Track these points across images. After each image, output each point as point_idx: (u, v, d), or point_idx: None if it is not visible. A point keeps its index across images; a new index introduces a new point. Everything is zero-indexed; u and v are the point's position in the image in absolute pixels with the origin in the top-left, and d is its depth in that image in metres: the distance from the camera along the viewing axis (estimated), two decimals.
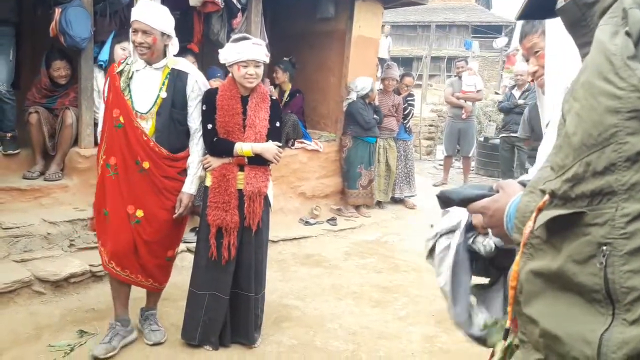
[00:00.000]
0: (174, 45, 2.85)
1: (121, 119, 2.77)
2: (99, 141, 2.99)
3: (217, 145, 2.90)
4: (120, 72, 2.82)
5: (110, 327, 2.94)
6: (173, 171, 2.87)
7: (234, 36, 3.01)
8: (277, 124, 3.00)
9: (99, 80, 4.35)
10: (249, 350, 3.07)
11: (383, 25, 8.66)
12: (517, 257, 0.91)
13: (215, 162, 2.90)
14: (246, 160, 2.89)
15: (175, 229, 2.97)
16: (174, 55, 2.89)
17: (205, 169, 2.96)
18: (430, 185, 8.23)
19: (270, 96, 3.02)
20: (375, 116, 6.13)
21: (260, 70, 2.88)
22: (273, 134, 2.97)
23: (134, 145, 2.77)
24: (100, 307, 3.41)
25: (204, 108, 2.89)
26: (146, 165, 2.79)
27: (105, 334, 2.92)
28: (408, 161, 6.87)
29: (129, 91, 2.79)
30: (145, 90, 2.80)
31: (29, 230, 3.75)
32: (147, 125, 2.79)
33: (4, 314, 3.27)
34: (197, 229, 4.59)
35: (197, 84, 2.88)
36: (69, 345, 2.91)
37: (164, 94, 2.78)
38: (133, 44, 2.74)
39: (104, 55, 4.36)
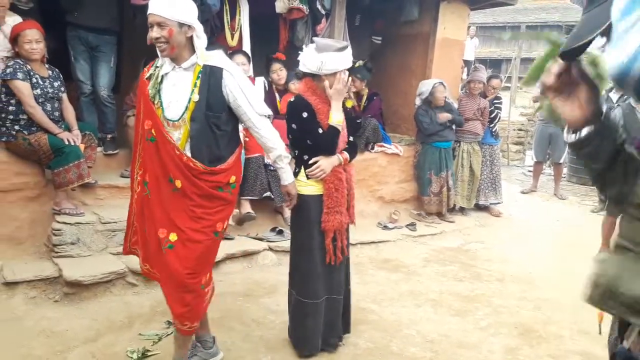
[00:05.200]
0: (200, 38, 2.46)
1: (153, 131, 2.43)
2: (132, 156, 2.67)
3: (327, 136, 2.84)
4: (150, 77, 2.50)
5: (192, 345, 2.80)
6: (209, 187, 2.45)
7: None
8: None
9: None
10: (325, 351, 3.09)
11: (469, 27, 8.42)
12: None
13: (328, 167, 2.87)
14: (347, 159, 2.98)
15: (211, 252, 2.59)
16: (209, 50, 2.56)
17: (309, 177, 2.87)
18: (518, 192, 7.89)
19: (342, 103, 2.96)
20: (443, 121, 5.89)
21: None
22: (349, 132, 3.08)
23: (165, 161, 2.43)
24: None
25: (304, 115, 2.84)
26: (178, 183, 2.42)
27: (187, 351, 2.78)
28: (494, 167, 6.61)
29: (159, 98, 2.45)
30: (176, 94, 2.43)
31: (125, 226, 3.98)
32: (179, 135, 2.43)
33: (101, 302, 3.52)
34: (278, 229, 4.74)
35: (232, 76, 2.44)
36: (157, 335, 3.08)
37: (196, 97, 2.38)
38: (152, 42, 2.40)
39: None
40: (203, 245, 2.48)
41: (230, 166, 2.51)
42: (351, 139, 3.06)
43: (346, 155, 2.96)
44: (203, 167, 2.42)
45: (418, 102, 5.98)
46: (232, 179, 2.53)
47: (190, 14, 2.39)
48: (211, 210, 2.48)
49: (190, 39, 2.43)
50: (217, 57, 2.49)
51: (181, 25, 2.36)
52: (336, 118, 2.83)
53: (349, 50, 2.84)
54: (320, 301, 2.95)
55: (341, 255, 2.97)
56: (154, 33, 2.35)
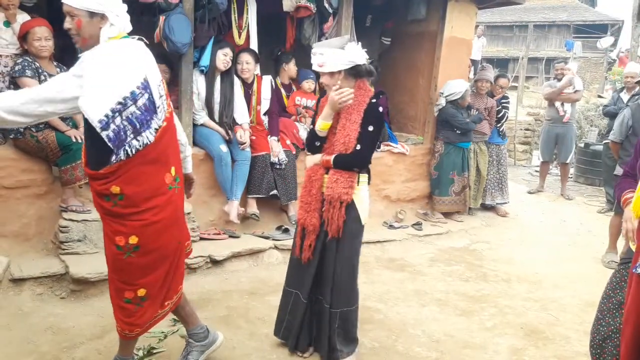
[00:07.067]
0: (114, 25, 2.15)
1: None
2: None
3: (307, 136, 2.99)
4: None
5: (186, 344, 2.78)
6: (94, 191, 2.23)
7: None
8: (370, 128, 2.77)
9: (199, 83, 4.59)
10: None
11: (476, 26, 8.38)
12: None
13: (309, 162, 2.93)
14: (332, 163, 2.80)
15: (117, 266, 2.31)
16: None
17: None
18: (525, 192, 7.86)
19: (371, 100, 2.80)
20: (471, 118, 6.00)
21: (326, 79, 2.79)
22: (363, 138, 2.75)
23: None
24: (192, 298, 3.57)
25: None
26: None
27: (182, 351, 2.79)
28: (501, 166, 6.60)
29: None
30: None
31: None
32: None
33: (107, 298, 3.48)
34: (284, 227, 4.75)
35: (77, 64, 2.09)
36: (162, 332, 3.08)
37: None
38: None
39: (205, 61, 4.57)
40: (109, 253, 2.29)
41: (108, 172, 2.15)
42: (358, 147, 2.76)
43: (328, 158, 2.81)
44: (85, 169, 2.26)
45: (443, 102, 5.93)
46: (115, 189, 2.16)
47: (102, 1, 2.11)
48: (106, 218, 2.26)
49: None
50: (105, 46, 2.14)
51: (92, 14, 2.11)
52: (318, 124, 2.83)
53: (327, 53, 2.72)
54: (288, 289, 3.02)
55: (305, 255, 2.89)
56: (66, 24, 2.13)
